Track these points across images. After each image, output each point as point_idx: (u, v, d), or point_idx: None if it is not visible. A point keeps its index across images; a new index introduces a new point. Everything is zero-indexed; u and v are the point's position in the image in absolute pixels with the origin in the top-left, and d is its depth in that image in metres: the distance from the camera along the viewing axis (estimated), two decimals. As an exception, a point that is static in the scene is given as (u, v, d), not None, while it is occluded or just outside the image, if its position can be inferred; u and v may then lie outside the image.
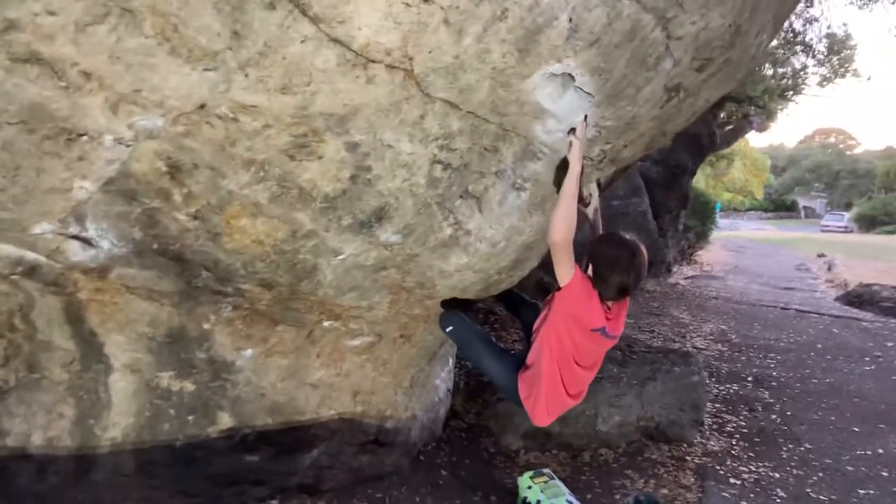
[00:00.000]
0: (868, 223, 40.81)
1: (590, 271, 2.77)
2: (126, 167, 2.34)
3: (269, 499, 3.74)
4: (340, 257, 2.90)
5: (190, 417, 3.39)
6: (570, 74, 2.46)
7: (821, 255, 17.64)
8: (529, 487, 3.91)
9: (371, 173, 2.57)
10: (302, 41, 2.05)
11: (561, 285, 2.71)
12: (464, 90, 2.41)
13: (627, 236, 2.81)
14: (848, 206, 54.57)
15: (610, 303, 2.81)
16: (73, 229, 2.54)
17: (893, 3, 10.42)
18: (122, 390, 3.22)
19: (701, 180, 22.30)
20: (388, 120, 2.42)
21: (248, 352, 3.34)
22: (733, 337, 7.62)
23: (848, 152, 71.82)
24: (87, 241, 2.62)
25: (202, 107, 2.15)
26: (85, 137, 2.15)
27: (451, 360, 4.62)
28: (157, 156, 2.35)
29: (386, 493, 3.90)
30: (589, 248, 2.87)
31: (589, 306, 2.73)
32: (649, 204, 11.37)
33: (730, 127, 15.42)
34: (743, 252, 18.95)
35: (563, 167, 2.76)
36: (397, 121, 2.44)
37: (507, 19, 2.16)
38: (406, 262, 3.06)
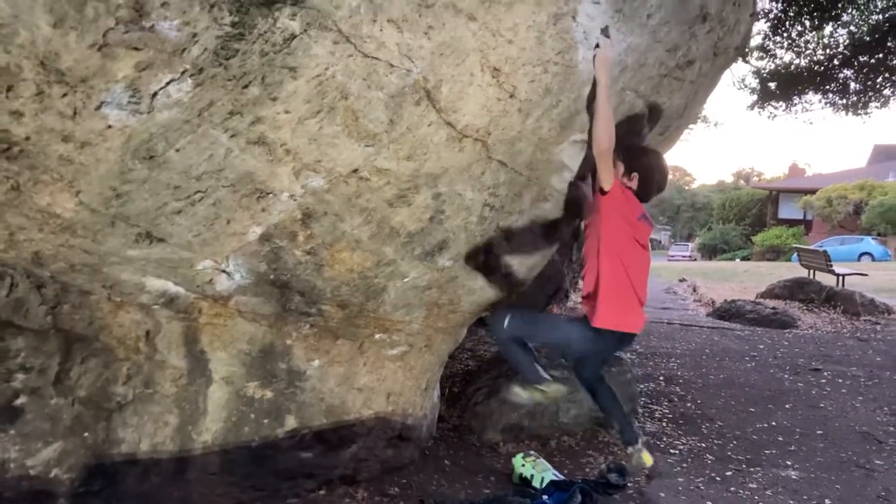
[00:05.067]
0: (710, 251, 44.63)
1: (617, 173, 3.36)
2: (281, 216, 3.16)
3: (318, 490, 4.46)
4: (405, 280, 3.78)
5: (265, 421, 4.10)
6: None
7: (682, 280, 19.71)
8: (523, 465, 4.84)
9: (444, 215, 3.50)
10: (429, 125, 2.97)
11: (605, 188, 3.25)
12: (514, 153, 3.40)
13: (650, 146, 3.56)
14: (690, 237, 59.10)
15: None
16: (223, 265, 3.31)
17: (737, 62, 12.32)
18: (216, 400, 3.91)
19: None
20: (463, 176, 3.36)
21: (316, 362, 4.12)
22: (638, 347, 8.92)
23: (686, 187, 77.64)
24: (228, 274, 3.38)
25: (354, 171, 3.02)
26: (271, 195, 2.97)
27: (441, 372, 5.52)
28: (300, 207, 3.18)
29: (410, 480, 4.72)
30: (626, 157, 3.40)
31: (629, 200, 3.38)
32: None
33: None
34: (615, 280, 20.81)
35: (594, 84, 3.16)
36: (468, 176, 3.38)
37: (558, 106, 3.18)
38: (447, 283, 3.97)
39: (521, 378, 4.20)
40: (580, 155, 3.58)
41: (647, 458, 4.05)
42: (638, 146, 3.64)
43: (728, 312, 11.80)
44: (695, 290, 16.72)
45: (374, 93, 2.72)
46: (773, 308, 11.62)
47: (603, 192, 3.26)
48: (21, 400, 3.47)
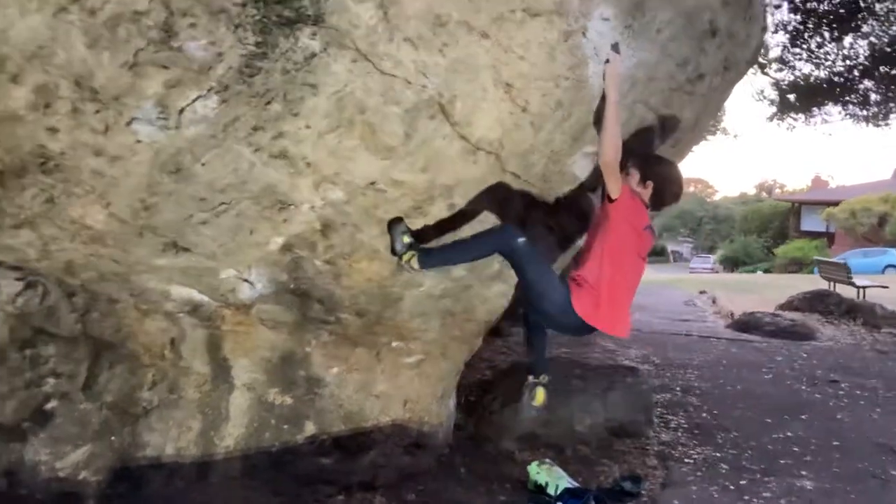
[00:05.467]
0: (732, 264, 44.31)
1: (632, 181, 3.38)
2: (301, 227, 3.27)
3: (337, 495, 4.55)
4: (421, 289, 3.88)
5: (285, 426, 4.22)
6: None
7: (702, 292, 19.63)
8: (538, 473, 4.90)
9: (458, 225, 3.60)
10: (443, 138, 3.07)
11: (613, 197, 3.23)
12: (528, 166, 3.49)
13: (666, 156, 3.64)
14: (712, 250, 58.66)
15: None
16: (246, 274, 3.43)
17: (755, 74, 12.38)
18: (238, 406, 4.03)
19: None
20: (477, 187, 3.45)
21: (335, 369, 4.23)
22: (655, 359, 8.95)
23: (708, 199, 77.20)
24: (250, 283, 3.50)
25: (371, 183, 3.13)
26: (293, 206, 3.08)
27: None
28: (319, 218, 3.29)
29: (426, 487, 4.80)
30: (642, 166, 3.41)
31: (638, 209, 3.38)
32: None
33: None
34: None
35: (603, 98, 3.19)
36: (482, 187, 3.48)
37: (570, 119, 3.27)
38: (462, 292, 4.07)
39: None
40: (591, 166, 3.67)
41: (540, 396, 4.30)
42: (654, 155, 3.70)
43: (746, 324, 11.77)
44: (714, 302, 16.67)
45: (391, 108, 2.83)
46: (792, 320, 11.57)
47: (611, 200, 3.28)
48: (52, 404, 3.61)
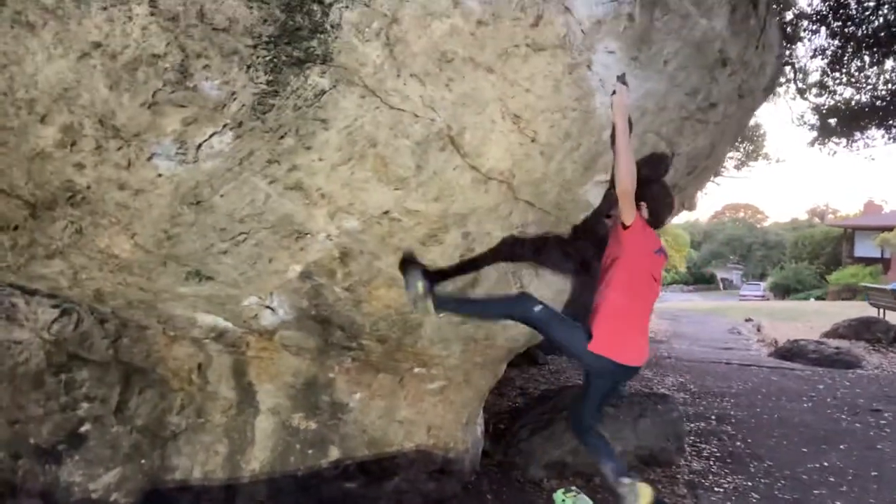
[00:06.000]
0: (783, 291, 43.40)
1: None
2: (318, 255, 3.39)
3: (362, 520, 4.64)
4: (440, 315, 3.95)
5: (310, 451, 4.31)
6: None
7: (748, 320, 19.35)
8: (563, 500, 4.90)
9: (474, 252, 3.68)
10: (454, 168, 3.16)
11: (627, 223, 3.34)
12: (540, 194, 3.56)
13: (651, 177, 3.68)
14: (762, 276, 57.52)
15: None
16: (268, 301, 3.55)
17: (794, 99, 12.27)
18: (263, 430, 4.14)
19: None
20: (491, 216, 3.53)
21: (358, 395, 4.32)
22: (692, 387, 8.86)
23: (758, 225, 75.80)
24: (272, 310, 3.62)
25: (386, 213, 3.23)
26: (309, 235, 3.20)
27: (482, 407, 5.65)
28: (337, 246, 3.40)
29: (451, 513, 4.85)
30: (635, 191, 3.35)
31: (648, 234, 3.49)
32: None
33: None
34: (678, 320, 20.55)
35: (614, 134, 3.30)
36: (496, 216, 3.55)
37: (579, 149, 3.34)
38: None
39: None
40: (603, 193, 3.72)
41: (646, 493, 3.72)
42: (648, 178, 3.66)
43: (790, 352, 11.56)
44: (759, 329, 16.40)
45: (401, 141, 2.94)
46: (837, 348, 11.33)
47: (625, 227, 3.37)
48: (85, 427, 3.76)
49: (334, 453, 4.39)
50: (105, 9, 2.20)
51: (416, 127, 2.92)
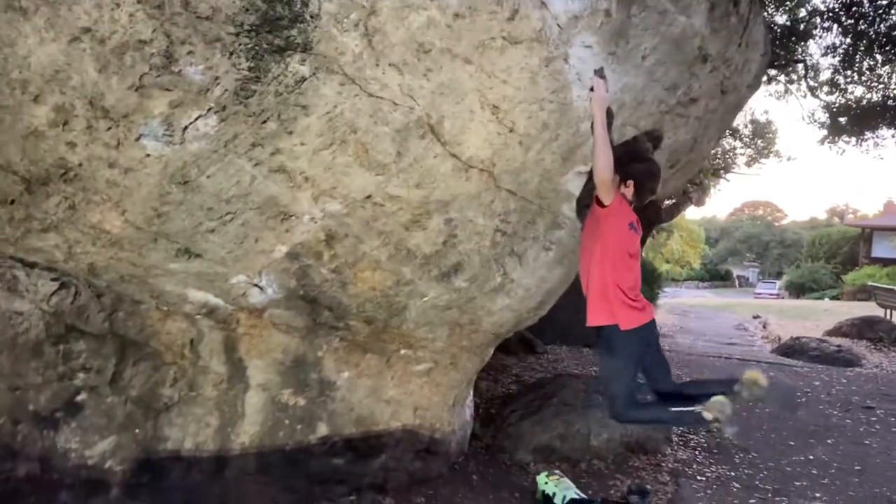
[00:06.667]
0: (798, 290, 43.15)
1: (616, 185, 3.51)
2: (304, 236, 3.52)
3: (348, 495, 4.76)
4: (424, 299, 4.08)
5: (298, 426, 4.45)
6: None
7: (756, 317, 19.36)
8: (546, 483, 5.03)
9: (457, 239, 3.80)
10: (434, 156, 3.29)
11: (605, 203, 3.44)
12: (521, 183, 3.68)
13: (644, 153, 3.79)
14: (779, 275, 57.23)
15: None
16: (256, 279, 3.70)
17: (805, 97, 12.27)
18: (253, 405, 4.28)
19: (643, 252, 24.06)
20: (473, 203, 3.65)
21: (346, 374, 4.45)
22: (687, 380, 8.96)
23: (776, 223, 75.27)
24: (260, 288, 3.76)
25: (368, 197, 3.36)
26: (294, 217, 3.34)
27: (471, 390, 5.78)
28: (322, 229, 3.53)
29: (437, 491, 4.98)
30: (619, 166, 3.45)
31: (625, 209, 3.58)
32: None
33: (671, 202, 17.12)
34: (687, 315, 20.61)
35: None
36: (477, 203, 3.67)
37: (557, 140, 3.46)
38: (466, 303, 4.25)
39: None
40: (583, 184, 3.83)
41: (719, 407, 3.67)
42: (628, 154, 3.77)
43: (791, 349, 11.63)
44: (765, 326, 16.43)
45: (381, 128, 3.06)
46: (839, 346, 11.38)
47: (602, 205, 3.47)
48: (82, 396, 3.91)
49: (322, 430, 4.53)
50: (94, -4, 2.34)
51: (396, 115, 3.04)
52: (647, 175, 3.64)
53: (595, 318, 3.66)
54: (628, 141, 3.79)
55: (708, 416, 3.68)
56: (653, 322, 3.82)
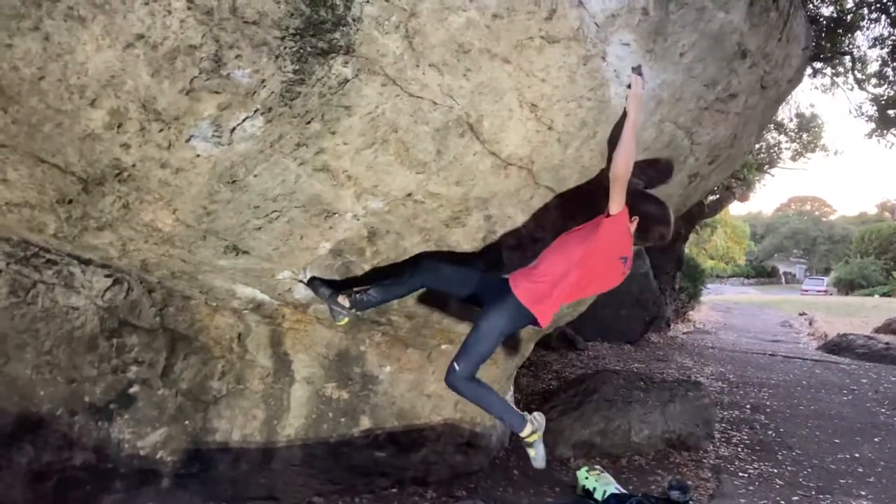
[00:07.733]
0: (846, 286, 42.24)
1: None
2: (346, 233, 3.61)
3: (391, 488, 4.87)
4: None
5: (342, 419, 4.56)
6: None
7: (802, 314, 19.04)
8: (586, 478, 5.06)
9: (496, 235, 3.86)
10: (474, 154, 3.34)
11: (612, 213, 3.32)
12: (560, 180, 3.71)
13: (658, 197, 3.65)
14: (827, 271, 56.06)
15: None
16: (301, 275, 3.80)
17: (852, 90, 12.05)
18: (298, 398, 4.40)
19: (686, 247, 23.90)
20: (512, 200, 3.70)
21: (387, 368, 4.55)
22: (731, 377, 8.88)
23: (824, 219, 73.72)
24: (305, 284, 3.87)
25: (409, 195, 3.44)
26: (337, 214, 3.43)
27: (512, 385, 5.84)
28: (365, 226, 3.62)
29: (477, 485, 5.05)
30: (632, 200, 3.39)
31: (625, 237, 3.48)
32: (650, 265, 12.74)
33: (714, 197, 16.96)
34: (730, 312, 20.36)
35: (620, 120, 3.38)
36: (517, 200, 3.72)
37: (596, 137, 3.48)
38: (506, 299, 4.30)
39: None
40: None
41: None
42: (644, 193, 3.71)
43: (838, 346, 11.44)
44: (811, 323, 16.16)
45: (421, 127, 3.13)
46: (887, 343, 11.16)
47: (608, 215, 3.37)
48: (134, 389, 4.06)
49: (365, 423, 4.63)
50: (147, 3, 2.43)
51: (436, 114, 3.10)
52: (658, 219, 3.53)
53: (524, 293, 3.51)
54: (665, 160, 3.80)
55: (531, 427, 3.91)
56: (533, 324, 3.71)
